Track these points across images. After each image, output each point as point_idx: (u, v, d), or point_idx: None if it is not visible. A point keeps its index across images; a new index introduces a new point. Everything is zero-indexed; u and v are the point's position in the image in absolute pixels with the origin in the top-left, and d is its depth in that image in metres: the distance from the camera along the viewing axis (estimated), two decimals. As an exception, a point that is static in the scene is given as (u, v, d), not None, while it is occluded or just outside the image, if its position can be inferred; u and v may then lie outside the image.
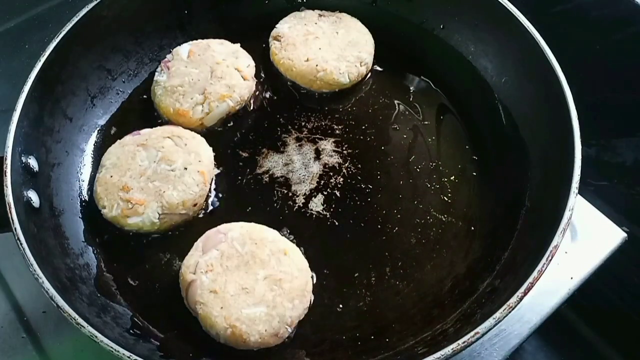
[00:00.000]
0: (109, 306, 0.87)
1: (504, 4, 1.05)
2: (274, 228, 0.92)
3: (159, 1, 1.15)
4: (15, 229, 0.81)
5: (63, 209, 0.96)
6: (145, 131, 1.02)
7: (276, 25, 1.18)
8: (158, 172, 0.95)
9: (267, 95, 1.14)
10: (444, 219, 0.98)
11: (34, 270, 0.78)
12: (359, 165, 1.02)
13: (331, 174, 1.03)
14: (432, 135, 1.08)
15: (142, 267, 0.94)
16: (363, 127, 1.08)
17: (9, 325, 1.03)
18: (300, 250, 0.91)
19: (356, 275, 0.92)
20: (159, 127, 1.03)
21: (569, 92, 0.93)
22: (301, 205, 0.98)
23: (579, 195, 0.84)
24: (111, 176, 0.95)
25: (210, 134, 1.06)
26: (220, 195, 1.01)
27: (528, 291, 0.76)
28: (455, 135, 1.08)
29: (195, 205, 0.95)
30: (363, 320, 0.88)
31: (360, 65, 1.13)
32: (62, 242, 0.92)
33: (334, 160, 1.04)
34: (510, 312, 0.75)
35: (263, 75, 1.17)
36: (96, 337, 0.73)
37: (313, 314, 0.87)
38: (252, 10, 1.24)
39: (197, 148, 0.99)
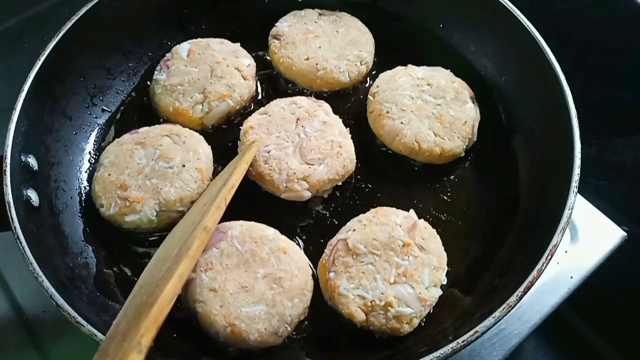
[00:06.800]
0: (108, 305, 0.87)
1: (504, 3, 1.05)
2: (274, 227, 0.92)
3: (158, 0, 1.15)
4: (14, 228, 0.81)
5: (62, 208, 0.96)
6: (144, 129, 1.02)
7: (276, 24, 1.18)
8: (156, 170, 0.95)
9: (267, 94, 1.14)
10: (443, 218, 0.98)
11: (34, 269, 0.78)
12: (359, 165, 1.02)
13: (331, 173, 1.03)
14: (432, 134, 1.08)
15: (142, 266, 0.93)
16: (363, 127, 1.08)
17: (8, 325, 1.03)
18: (300, 249, 0.91)
19: (356, 274, 0.92)
20: (157, 126, 1.03)
21: (569, 91, 0.93)
22: (301, 204, 0.98)
23: (578, 194, 0.84)
24: (109, 174, 0.95)
25: (210, 132, 1.06)
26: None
27: (527, 290, 0.76)
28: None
29: (192, 202, 0.95)
30: (363, 319, 0.88)
31: (361, 64, 1.13)
32: (61, 241, 0.92)
33: (334, 159, 1.04)
34: (509, 311, 0.75)
35: (263, 74, 1.17)
36: (96, 335, 0.73)
37: (313, 313, 0.87)
38: (252, 9, 1.24)
39: (196, 146, 0.99)
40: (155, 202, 0.92)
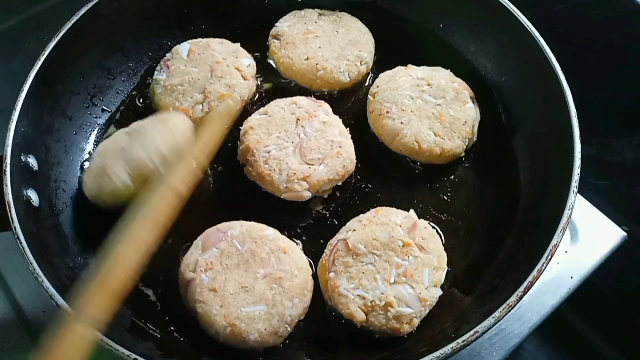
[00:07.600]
0: (108, 305, 0.87)
1: (504, 3, 1.05)
2: (274, 227, 0.92)
3: (158, 0, 1.16)
4: (14, 227, 0.81)
5: (62, 208, 0.96)
6: (136, 122, 1.01)
7: (276, 24, 1.18)
8: (131, 142, 0.93)
9: (267, 94, 1.14)
10: (443, 218, 0.98)
11: (34, 269, 0.78)
12: (359, 165, 1.02)
13: (331, 173, 1.03)
14: (432, 134, 1.08)
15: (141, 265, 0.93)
16: (363, 127, 1.08)
17: (8, 325, 1.03)
18: (300, 249, 0.91)
19: (356, 274, 0.92)
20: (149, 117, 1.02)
21: (569, 91, 0.93)
22: (301, 204, 0.98)
23: (578, 194, 0.84)
24: (95, 162, 0.94)
25: (209, 133, 1.06)
26: (220, 192, 1.01)
27: (527, 290, 0.76)
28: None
29: (163, 155, 0.91)
30: (363, 319, 0.88)
31: (361, 64, 1.13)
32: (61, 241, 0.92)
33: (334, 159, 1.04)
34: (509, 311, 0.75)
35: (263, 74, 1.17)
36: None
37: (313, 313, 0.87)
38: (252, 9, 1.24)
39: (173, 116, 0.97)
40: (123, 162, 0.90)
